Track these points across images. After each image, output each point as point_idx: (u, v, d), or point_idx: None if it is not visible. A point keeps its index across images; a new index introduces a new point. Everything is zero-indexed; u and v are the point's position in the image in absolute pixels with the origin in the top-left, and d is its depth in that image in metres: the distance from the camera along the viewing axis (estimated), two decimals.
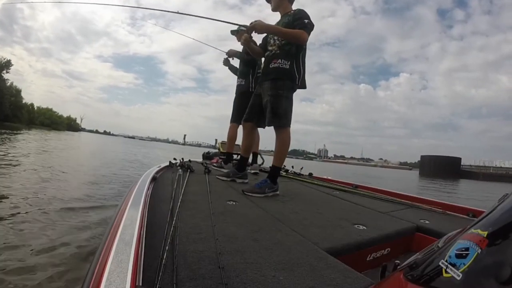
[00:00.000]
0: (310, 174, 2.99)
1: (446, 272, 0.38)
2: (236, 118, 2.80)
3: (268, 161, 2.84)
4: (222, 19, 2.12)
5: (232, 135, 2.91)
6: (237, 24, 1.90)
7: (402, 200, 1.82)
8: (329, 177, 2.87)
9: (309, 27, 1.73)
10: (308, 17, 1.76)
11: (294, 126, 1.83)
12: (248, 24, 1.86)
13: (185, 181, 1.63)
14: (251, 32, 1.85)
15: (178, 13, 2.22)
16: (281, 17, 1.91)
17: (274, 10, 1.96)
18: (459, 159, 55.36)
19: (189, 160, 2.63)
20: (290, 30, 1.72)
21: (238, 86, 2.94)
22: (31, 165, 4.82)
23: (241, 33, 2.37)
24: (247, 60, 2.81)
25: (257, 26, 1.79)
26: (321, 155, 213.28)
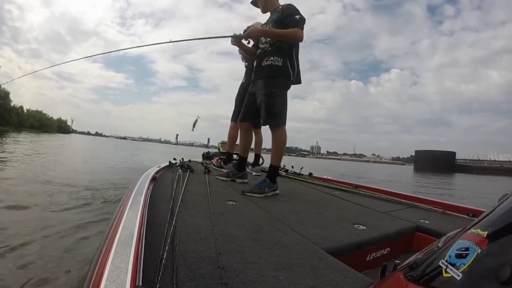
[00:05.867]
0: (310, 174, 2.99)
1: (446, 272, 0.38)
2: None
3: (266, 160, 2.83)
4: (220, 35, 2.10)
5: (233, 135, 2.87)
6: (232, 36, 1.90)
7: (402, 200, 1.82)
8: (329, 177, 2.87)
9: (302, 22, 1.69)
10: (298, 12, 1.71)
11: (287, 124, 1.81)
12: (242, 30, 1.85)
13: (185, 181, 1.63)
14: (247, 39, 1.84)
15: (175, 40, 2.16)
16: (270, 13, 1.88)
17: (263, 11, 1.94)
18: (454, 153, 55.58)
19: (189, 160, 2.63)
20: (285, 30, 1.68)
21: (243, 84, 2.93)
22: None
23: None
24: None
25: (252, 33, 1.78)
26: (314, 152, 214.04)
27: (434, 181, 14.28)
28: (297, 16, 1.69)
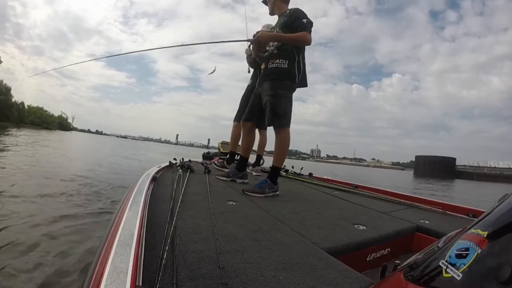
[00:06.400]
0: (310, 174, 2.99)
1: (446, 272, 0.38)
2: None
3: (267, 161, 2.83)
4: (228, 40, 2.15)
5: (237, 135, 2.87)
6: (242, 41, 1.93)
7: (402, 200, 1.82)
8: (329, 177, 2.87)
9: (309, 26, 1.72)
10: (305, 16, 1.75)
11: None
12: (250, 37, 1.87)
13: (185, 181, 1.63)
14: (257, 45, 1.86)
15: (183, 45, 2.19)
16: (278, 17, 1.91)
17: (271, 13, 1.97)
18: (454, 159, 55.81)
19: (189, 160, 2.63)
20: (293, 34, 1.71)
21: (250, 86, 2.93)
22: None
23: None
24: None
25: (261, 38, 1.80)
26: (314, 155, 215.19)
27: (437, 187, 14.18)
28: (305, 20, 1.72)
